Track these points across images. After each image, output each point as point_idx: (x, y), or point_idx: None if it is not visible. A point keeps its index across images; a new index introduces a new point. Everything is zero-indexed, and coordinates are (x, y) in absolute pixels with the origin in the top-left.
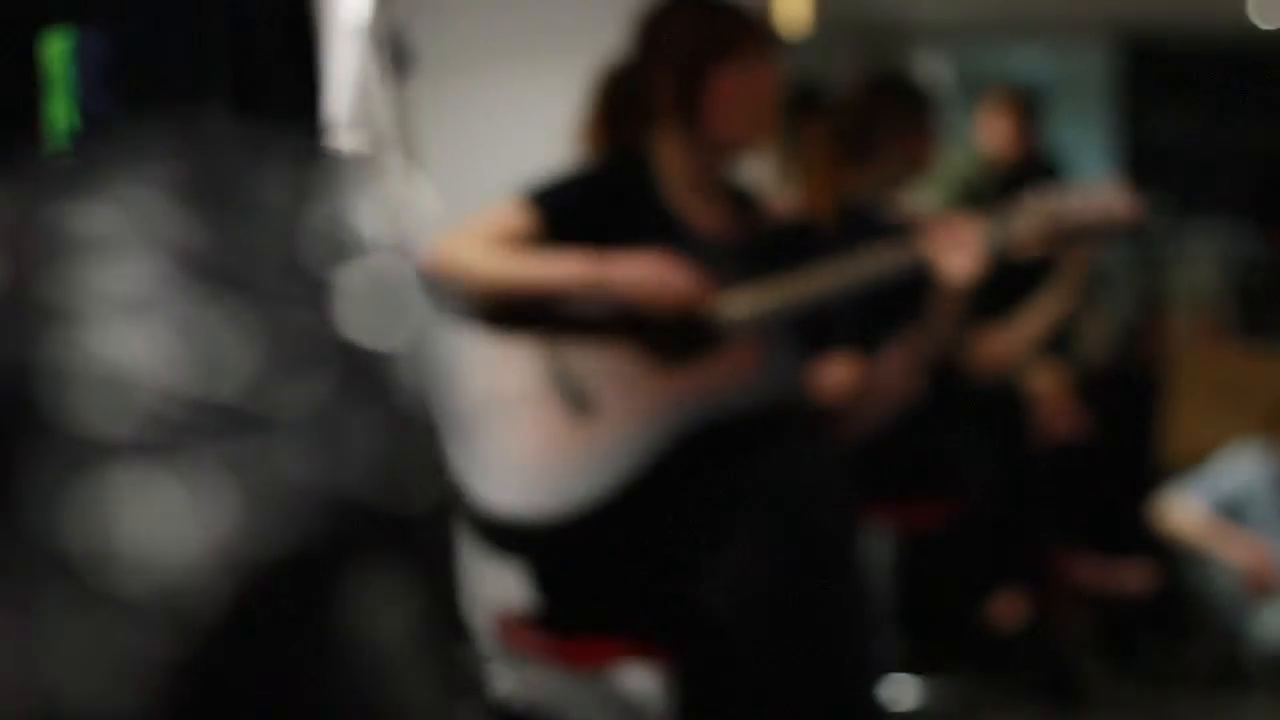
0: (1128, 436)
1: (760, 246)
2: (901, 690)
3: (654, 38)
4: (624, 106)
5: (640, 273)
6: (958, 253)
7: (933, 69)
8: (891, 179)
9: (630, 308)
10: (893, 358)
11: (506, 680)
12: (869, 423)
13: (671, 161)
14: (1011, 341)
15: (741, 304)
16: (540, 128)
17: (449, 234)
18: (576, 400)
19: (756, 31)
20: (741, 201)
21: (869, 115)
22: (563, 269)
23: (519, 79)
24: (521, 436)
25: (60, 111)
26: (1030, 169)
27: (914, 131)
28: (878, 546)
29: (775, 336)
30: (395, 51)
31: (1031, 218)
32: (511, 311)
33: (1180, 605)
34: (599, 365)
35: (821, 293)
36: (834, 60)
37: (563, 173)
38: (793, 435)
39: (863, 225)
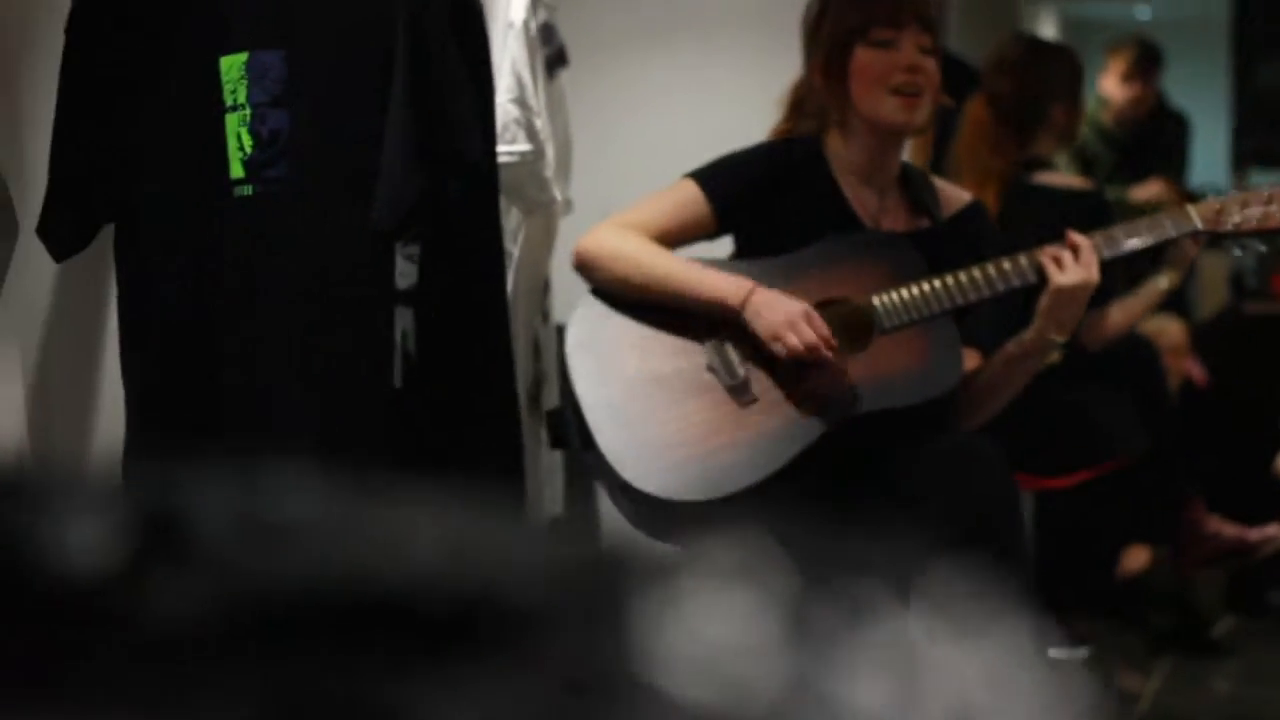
0: (1249, 388)
1: (928, 239)
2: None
3: (812, 33)
4: (805, 109)
5: (778, 316)
6: (1073, 266)
7: (1038, 21)
8: (1049, 150)
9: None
10: (1000, 359)
11: None
12: (987, 415)
13: (839, 154)
14: (1122, 321)
15: (902, 298)
16: (693, 116)
17: (617, 215)
18: (736, 387)
19: (898, 11)
20: (914, 193)
21: (1030, 87)
22: (717, 288)
23: (668, 66)
24: (682, 421)
25: (238, 130)
26: (1156, 122)
27: (1072, 100)
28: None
29: (936, 328)
30: (550, 47)
31: (1190, 229)
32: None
33: None
34: (760, 354)
35: (963, 295)
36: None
37: (732, 153)
38: (949, 423)
39: (1017, 196)
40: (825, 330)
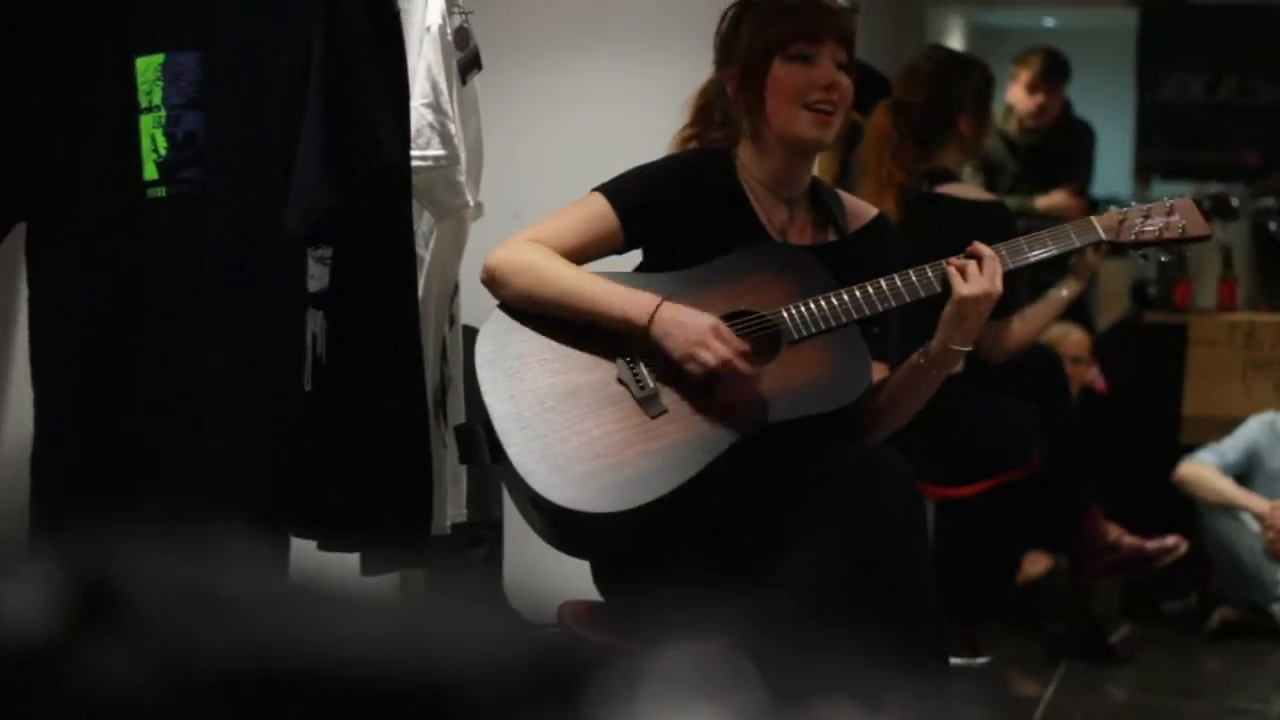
0: (1148, 397)
1: (833, 253)
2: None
3: (727, 43)
4: (712, 116)
5: (686, 332)
6: (978, 276)
7: (944, 29)
8: (954, 161)
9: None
10: (905, 370)
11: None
12: (893, 426)
13: (749, 166)
14: (1025, 332)
15: (808, 309)
16: (599, 118)
17: (525, 231)
18: (646, 399)
19: (814, 18)
20: (821, 208)
21: (939, 99)
22: (623, 305)
23: (583, 69)
24: (592, 433)
25: (152, 131)
26: (1061, 131)
27: (979, 113)
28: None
29: (841, 341)
30: (465, 51)
31: (1094, 239)
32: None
33: (1205, 565)
34: (668, 365)
35: (870, 306)
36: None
37: (640, 166)
38: (856, 433)
39: (921, 208)
40: (736, 342)
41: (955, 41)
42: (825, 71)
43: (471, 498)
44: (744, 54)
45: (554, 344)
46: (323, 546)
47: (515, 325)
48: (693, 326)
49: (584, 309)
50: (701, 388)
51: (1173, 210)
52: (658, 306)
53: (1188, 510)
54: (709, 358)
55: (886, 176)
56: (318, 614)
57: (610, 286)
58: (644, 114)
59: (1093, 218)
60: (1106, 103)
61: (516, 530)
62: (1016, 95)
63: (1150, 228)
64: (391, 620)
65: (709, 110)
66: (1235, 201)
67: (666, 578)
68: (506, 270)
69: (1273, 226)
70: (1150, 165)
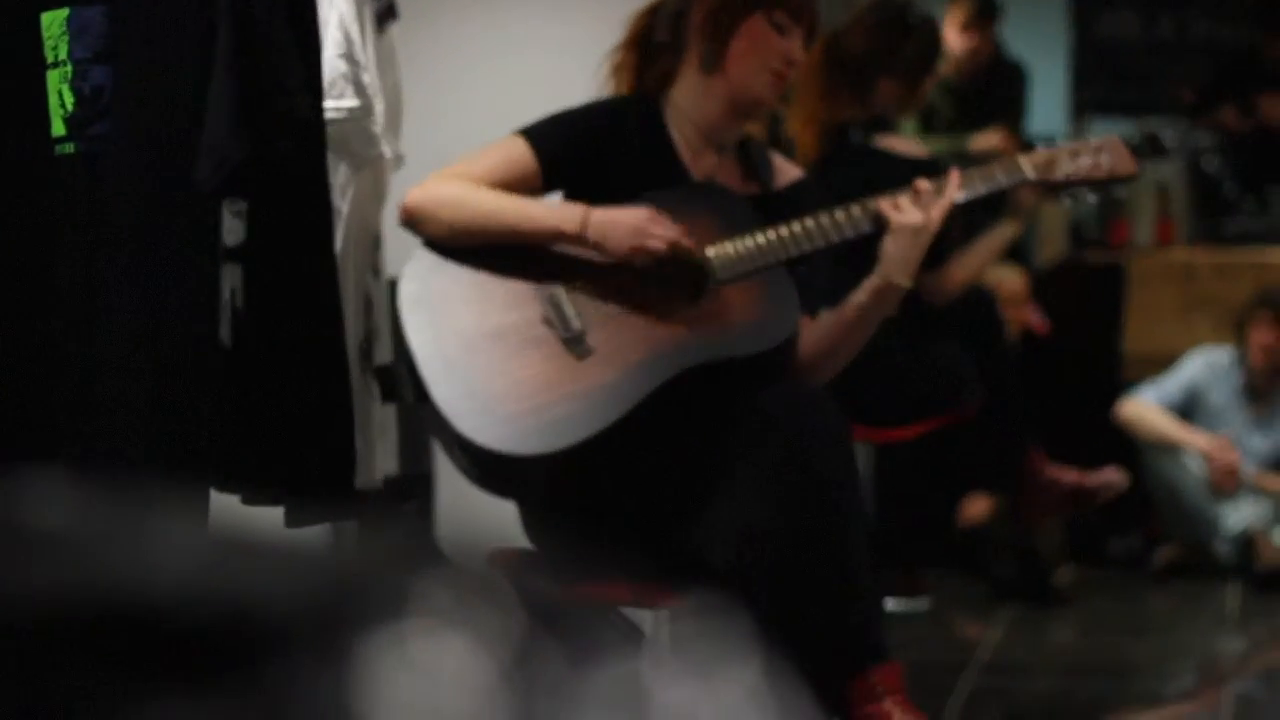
0: (1088, 336)
1: (760, 202)
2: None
3: None
4: (654, 40)
5: (626, 221)
6: (918, 209)
7: None
8: (888, 111)
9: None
10: (846, 309)
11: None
12: (834, 368)
13: (685, 107)
14: (963, 274)
15: (735, 249)
16: (523, 66)
17: (443, 170)
18: (572, 340)
19: (802, 2)
20: (748, 161)
21: (872, 57)
22: (553, 214)
23: (501, 19)
24: (518, 374)
25: (59, 87)
26: (994, 72)
27: (913, 78)
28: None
29: (769, 281)
30: (380, 1)
31: (1022, 179)
32: (506, 249)
33: (1147, 503)
34: (594, 307)
35: (798, 245)
36: None
37: (562, 111)
38: (785, 374)
39: (852, 159)
40: (675, 226)
41: None
42: (795, 47)
43: (402, 451)
44: None
45: (479, 284)
46: (246, 501)
47: (439, 264)
48: (629, 220)
49: (511, 228)
50: (627, 328)
51: (1100, 149)
52: (586, 212)
53: (1130, 449)
54: (657, 243)
55: (810, 111)
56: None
57: (534, 204)
58: (566, 62)
59: (1020, 156)
60: (1042, 42)
61: (448, 483)
62: (949, 37)
63: (1078, 167)
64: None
65: (653, 30)
66: (1168, 139)
67: (594, 522)
68: (429, 206)
69: (1209, 164)
70: (1087, 103)
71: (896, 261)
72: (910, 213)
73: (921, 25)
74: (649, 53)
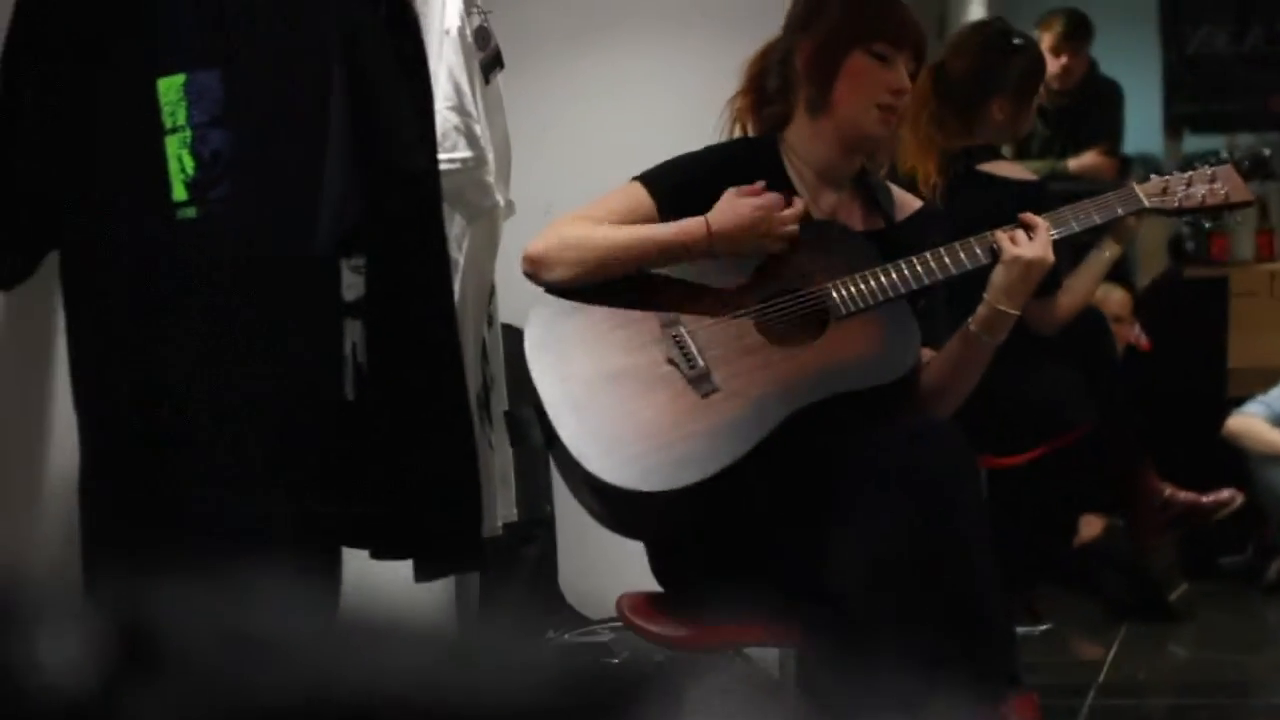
0: (1192, 352)
1: (882, 238)
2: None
3: (808, 10)
4: (769, 83)
5: (744, 216)
6: (1029, 243)
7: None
8: (993, 137)
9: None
10: (958, 342)
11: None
12: (954, 400)
13: (801, 147)
14: (1071, 302)
15: (855, 285)
16: (632, 114)
17: (563, 217)
18: (696, 378)
19: (903, 31)
20: (869, 196)
21: (976, 81)
22: (675, 230)
23: (605, 63)
24: (644, 414)
25: (179, 152)
26: (1088, 92)
27: (1021, 101)
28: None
29: (889, 315)
30: (486, 51)
31: (1137, 208)
32: (628, 288)
33: (1260, 517)
34: (718, 343)
35: (918, 280)
36: None
37: (679, 157)
38: (909, 407)
39: (965, 187)
40: (778, 197)
41: (978, 7)
42: (900, 77)
43: (521, 496)
44: (825, 31)
45: (602, 327)
46: (375, 555)
47: (563, 308)
48: (744, 213)
49: (638, 255)
50: (752, 363)
51: (1215, 177)
52: (704, 220)
53: (1239, 463)
54: (778, 228)
55: (927, 140)
56: (366, 648)
57: (657, 226)
58: (669, 105)
59: (1135, 185)
60: (1133, 59)
61: (569, 527)
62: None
63: (1194, 194)
64: (430, 653)
65: (765, 76)
66: (1268, 153)
67: (722, 560)
68: (553, 251)
69: None
70: (1180, 119)
71: (1005, 290)
72: (1025, 246)
73: (1025, 42)
74: (763, 97)
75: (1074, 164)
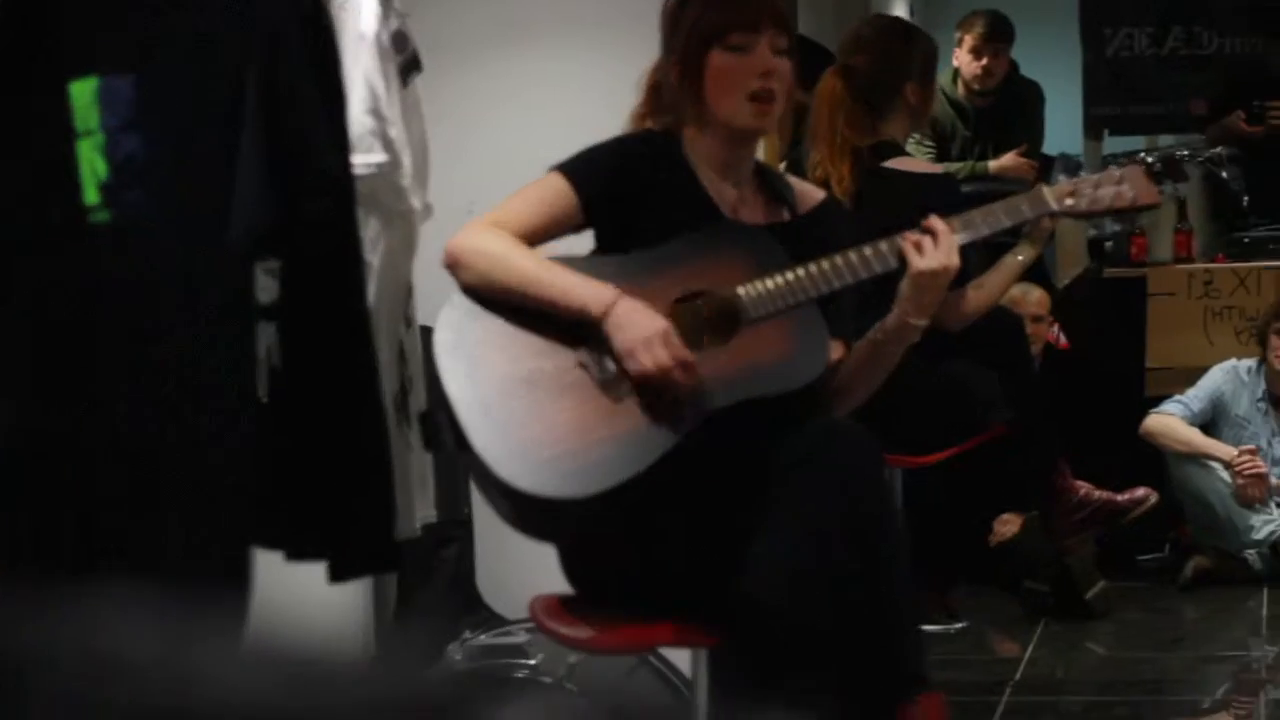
0: (1110, 351)
1: (786, 232)
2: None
3: (670, 27)
4: (661, 97)
5: (638, 332)
6: (933, 250)
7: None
8: (901, 130)
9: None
10: (865, 345)
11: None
12: (858, 400)
13: (696, 146)
14: (982, 299)
15: (765, 288)
16: (549, 114)
17: (488, 214)
18: (607, 383)
19: (749, 8)
20: (770, 189)
21: (885, 65)
22: (581, 295)
23: (522, 66)
24: (555, 418)
25: (91, 156)
26: (1009, 93)
27: (925, 84)
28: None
29: (799, 318)
30: (403, 54)
31: (1045, 211)
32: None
33: (1177, 515)
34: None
35: (827, 283)
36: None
37: (593, 146)
38: (818, 409)
39: (873, 185)
40: (682, 352)
41: (900, 7)
42: (762, 60)
43: (440, 498)
44: (684, 42)
45: (514, 329)
46: (289, 557)
47: (474, 311)
48: (642, 329)
49: (540, 298)
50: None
51: (1122, 179)
52: (613, 302)
53: (1157, 462)
54: (648, 365)
55: (840, 141)
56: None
57: (566, 277)
58: (588, 107)
59: (1043, 188)
60: (1055, 61)
61: (487, 528)
62: (962, 59)
63: (1101, 198)
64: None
65: (658, 91)
66: (1183, 156)
67: (635, 562)
68: (468, 254)
69: (1225, 176)
70: (1100, 121)
71: (914, 302)
72: (930, 257)
73: (917, 30)
74: (659, 108)
75: (994, 165)
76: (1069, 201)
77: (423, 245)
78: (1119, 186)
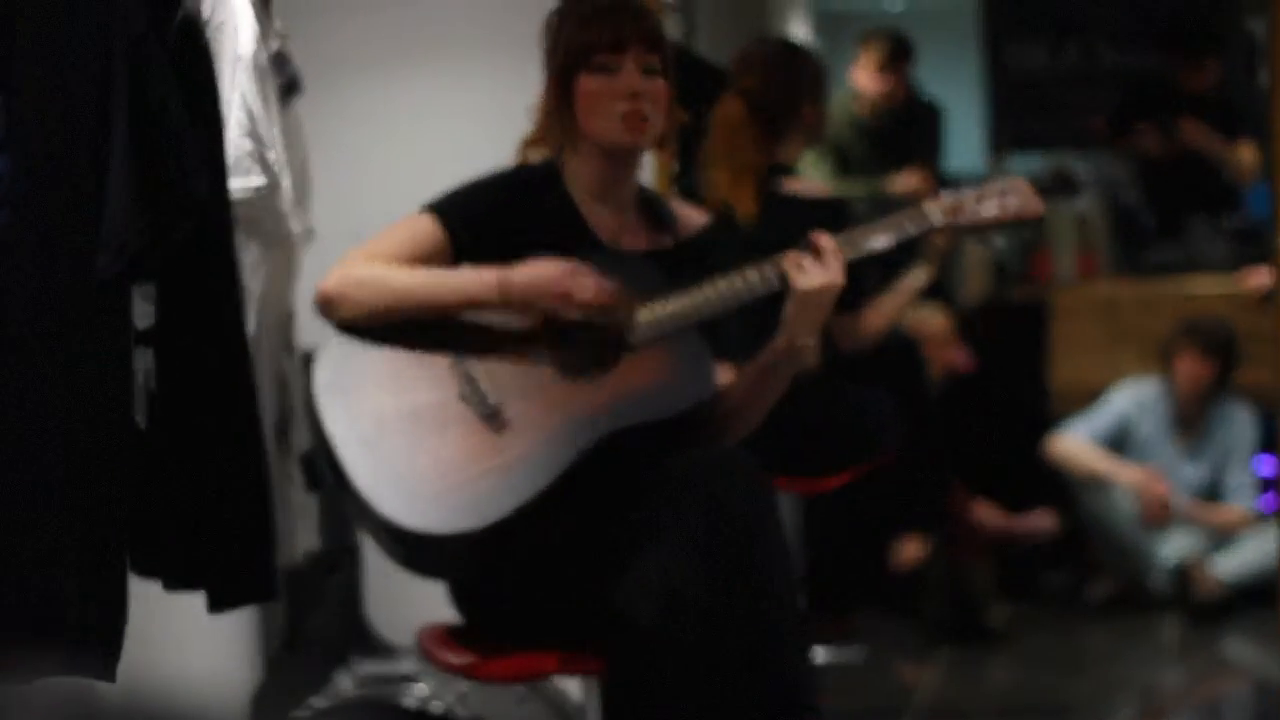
0: (1015, 372)
1: (668, 257)
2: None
3: (546, 50)
4: (551, 125)
5: (545, 276)
6: (817, 269)
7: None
8: (796, 150)
9: (539, 320)
10: (753, 367)
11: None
12: (747, 424)
13: (577, 173)
14: (877, 320)
15: (648, 313)
16: (432, 137)
17: (353, 251)
18: (489, 414)
19: (612, 28)
20: (652, 212)
21: (781, 85)
22: (469, 280)
23: (407, 88)
24: (438, 453)
25: None
26: (909, 113)
27: (816, 101)
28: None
29: (684, 342)
30: (282, 77)
31: (928, 225)
32: (419, 327)
33: (1081, 539)
34: (509, 379)
35: (710, 305)
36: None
37: (468, 182)
38: (702, 437)
39: (783, 209)
40: (592, 274)
41: (800, 27)
42: (629, 81)
43: (326, 524)
44: (553, 69)
45: (393, 366)
46: (167, 586)
47: (352, 349)
48: (549, 272)
49: (427, 301)
50: (545, 398)
51: (1006, 192)
52: (499, 276)
53: (1062, 483)
54: (588, 293)
55: (741, 165)
56: None
57: (451, 273)
58: (472, 127)
59: (926, 203)
60: (958, 79)
61: (375, 555)
62: (862, 79)
63: (985, 210)
64: None
65: (547, 117)
66: (1082, 172)
67: (522, 592)
68: (346, 288)
69: (1126, 195)
70: (1004, 139)
71: (799, 322)
72: (813, 274)
73: (805, 50)
74: (551, 134)
75: (893, 185)
76: (952, 216)
77: (305, 270)
78: (1003, 199)
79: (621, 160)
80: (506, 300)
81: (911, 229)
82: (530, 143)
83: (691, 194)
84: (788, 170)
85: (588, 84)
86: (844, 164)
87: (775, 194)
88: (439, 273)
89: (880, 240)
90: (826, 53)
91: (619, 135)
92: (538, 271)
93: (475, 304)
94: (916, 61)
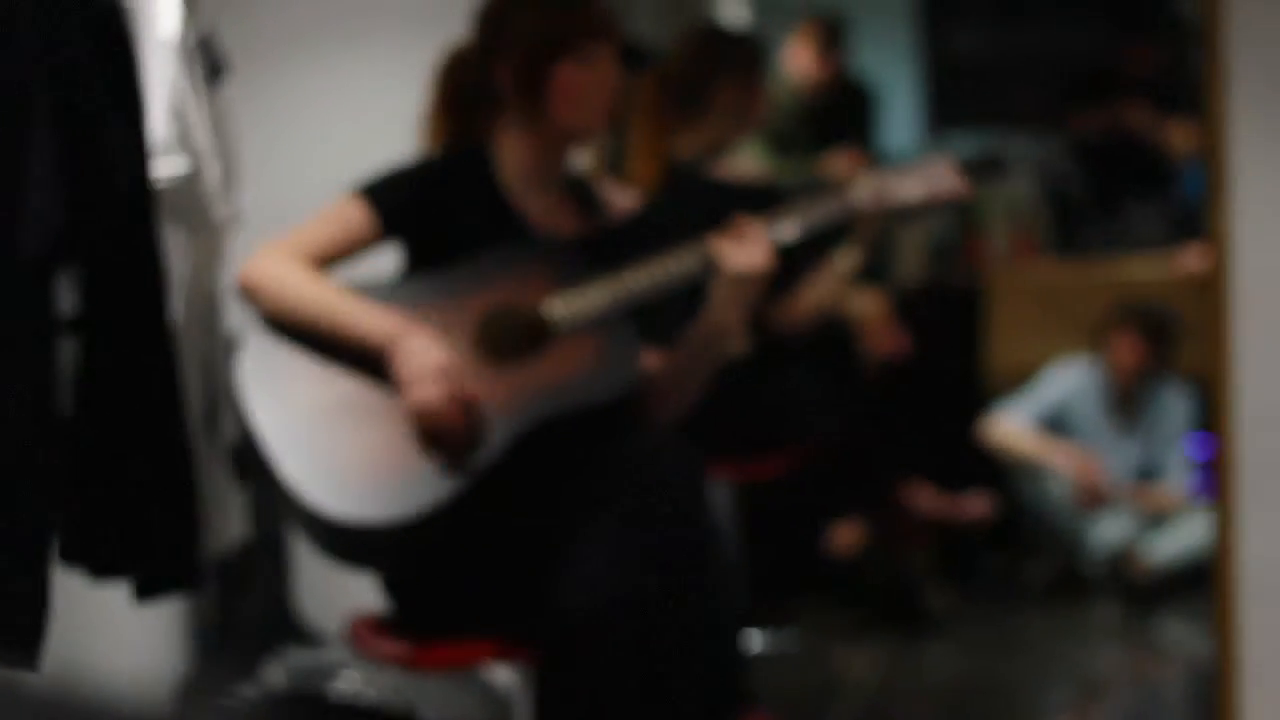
0: (950, 356)
1: (596, 242)
2: (750, 633)
3: (496, 29)
4: (465, 94)
5: (412, 373)
6: (744, 251)
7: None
8: (724, 136)
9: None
10: (681, 351)
11: (360, 681)
12: (677, 408)
13: (511, 154)
14: (810, 303)
15: (573, 301)
16: (362, 119)
17: (277, 241)
18: None
19: (598, 23)
20: (581, 195)
21: (697, 69)
22: (364, 321)
23: (336, 70)
24: (362, 443)
25: None
26: (840, 97)
27: (744, 85)
28: (720, 496)
29: (611, 328)
30: (207, 60)
31: (851, 207)
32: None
33: (1017, 522)
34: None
35: (636, 291)
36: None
37: (397, 165)
38: (634, 423)
39: (688, 189)
40: (457, 388)
41: (740, 12)
42: (613, 73)
43: (255, 514)
44: (524, 49)
45: (319, 355)
46: (93, 575)
47: (277, 339)
48: (419, 364)
49: (328, 329)
50: (471, 388)
51: (931, 174)
52: (398, 336)
53: (999, 467)
54: (418, 397)
55: (650, 149)
56: None
57: (354, 310)
58: (403, 109)
59: (850, 185)
60: (895, 59)
61: (304, 544)
62: (800, 62)
63: (909, 191)
64: None
65: (459, 91)
66: (1018, 153)
67: (455, 580)
68: (254, 281)
69: (1063, 176)
70: (942, 119)
71: (725, 304)
72: (739, 254)
73: (738, 37)
74: (463, 111)
75: (825, 167)
76: (875, 198)
77: (233, 255)
78: (927, 180)
79: (563, 146)
80: (385, 358)
81: (836, 210)
82: (436, 114)
83: (619, 175)
84: (714, 152)
85: (569, 74)
86: (783, 147)
87: (704, 178)
88: (344, 306)
89: (803, 221)
90: (767, 36)
91: (594, 123)
92: (422, 353)
93: (361, 346)
94: (857, 39)
